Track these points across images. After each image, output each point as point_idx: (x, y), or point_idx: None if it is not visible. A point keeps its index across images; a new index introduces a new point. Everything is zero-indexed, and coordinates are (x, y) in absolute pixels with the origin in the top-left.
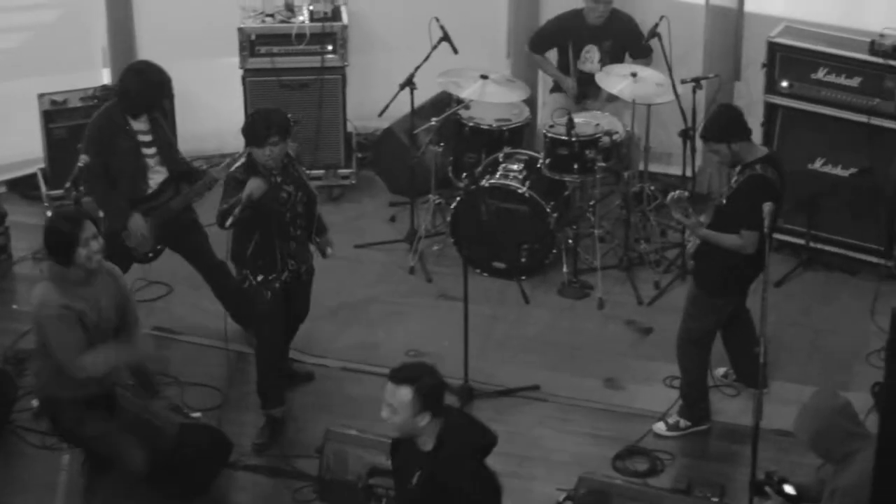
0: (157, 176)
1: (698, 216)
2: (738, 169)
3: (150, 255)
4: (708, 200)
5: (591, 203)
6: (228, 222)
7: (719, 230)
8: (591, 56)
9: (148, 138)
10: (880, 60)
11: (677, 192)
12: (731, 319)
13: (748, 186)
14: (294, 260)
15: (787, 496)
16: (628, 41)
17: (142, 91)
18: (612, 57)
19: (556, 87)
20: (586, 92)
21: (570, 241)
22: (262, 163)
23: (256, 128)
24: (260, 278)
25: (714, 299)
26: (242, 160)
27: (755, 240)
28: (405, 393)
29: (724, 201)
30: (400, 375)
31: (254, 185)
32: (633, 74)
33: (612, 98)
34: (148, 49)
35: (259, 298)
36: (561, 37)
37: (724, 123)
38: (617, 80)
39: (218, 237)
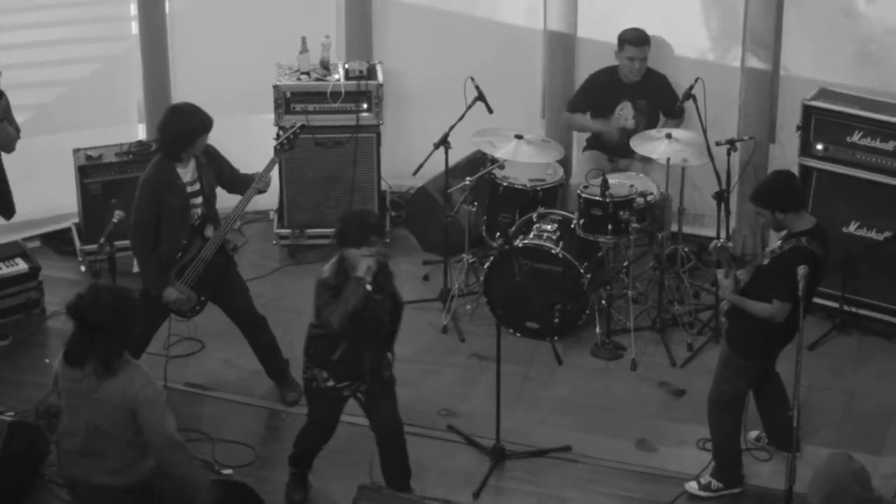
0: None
1: (737, 272)
2: (783, 233)
3: (197, 307)
4: (743, 261)
5: (625, 264)
6: (339, 318)
7: (755, 291)
8: (624, 113)
9: (195, 188)
10: None
11: (721, 240)
12: (761, 382)
13: (790, 257)
14: (373, 372)
15: None
16: (662, 100)
17: (182, 131)
18: (646, 115)
19: (589, 146)
20: (620, 150)
21: (604, 301)
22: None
23: (354, 229)
24: (331, 384)
25: (746, 361)
26: (333, 265)
27: (786, 311)
28: None
29: (765, 264)
30: None
31: (368, 261)
32: (668, 136)
33: (647, 159)
34: None
35: (317, 402)
36: (597, 95)
37: (774, 191)
38: (652, 143)
39: (257, 291)
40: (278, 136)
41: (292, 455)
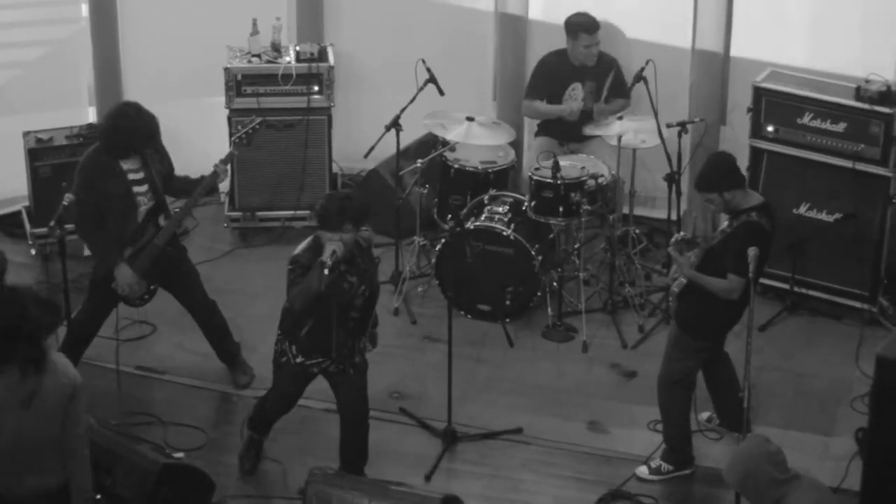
0: (145, 209)
1: (689, 256)
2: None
3: (146, 296)
4: (694, 243)
5: (576, 246)
6: (300, 300)
7: (706, 272)
8: (575, 94)
9: (139, 175)
10: (865, 106)
11: (681, 233)
12: (711, 363)
13: (742, 233)
14: (342, 353)
15: None
16: (612, 84)
17: (125, 136)
18: (596, 96)
19: (541, 132)
20: (571, 134)
21: (555, 283)
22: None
23: (331, 212)
24: (299, 360)
25: (695, 341)
26: (308, 242)
27: (742, 286)
28: None
29: (716, 244)
30: None
31: (334, 245)
32: (620, 118)
33: (599, 143)
34: (134, 87)
35: (285, 376)
36: (549, 78)
37: (717, 173)
38: (607, 126)
39: (208, 275)
40: (237, 129)
41: (251, 416)
